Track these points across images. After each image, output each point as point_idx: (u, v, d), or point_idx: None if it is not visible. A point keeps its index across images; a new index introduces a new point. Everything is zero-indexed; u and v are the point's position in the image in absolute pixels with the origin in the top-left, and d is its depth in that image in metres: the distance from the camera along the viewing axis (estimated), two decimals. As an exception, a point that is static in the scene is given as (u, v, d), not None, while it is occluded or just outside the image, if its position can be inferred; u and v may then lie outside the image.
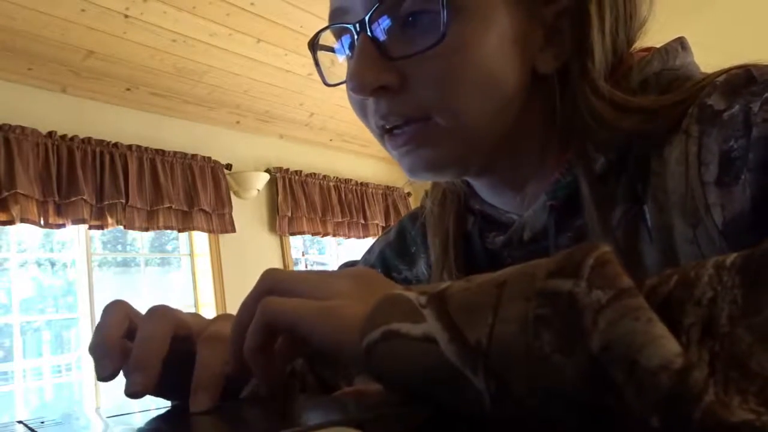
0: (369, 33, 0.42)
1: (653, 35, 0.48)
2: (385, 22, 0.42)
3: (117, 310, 0.43)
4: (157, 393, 0.45)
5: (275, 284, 0.36)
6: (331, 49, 0.50)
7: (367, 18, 0.42)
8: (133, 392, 0.38)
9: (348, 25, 0.44)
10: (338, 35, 0.48)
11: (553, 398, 0.20)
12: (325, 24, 0.49)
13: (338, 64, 0.50)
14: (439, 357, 0.23)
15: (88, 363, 2.98)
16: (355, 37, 0.43)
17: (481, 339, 0.22)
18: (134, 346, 0.40)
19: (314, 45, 0.49)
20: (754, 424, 0.17)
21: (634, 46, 0.47)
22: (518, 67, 0.44)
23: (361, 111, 0.47)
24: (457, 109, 0.43)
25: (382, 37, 0.43)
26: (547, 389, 0.20)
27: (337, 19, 0.46)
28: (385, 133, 0.46)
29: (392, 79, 0.42)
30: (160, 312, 0.42)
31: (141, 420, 0.41)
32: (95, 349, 0.41)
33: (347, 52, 0.47)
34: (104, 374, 0.39)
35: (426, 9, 0.41)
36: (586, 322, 0.19)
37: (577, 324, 0.19)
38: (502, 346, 0.21)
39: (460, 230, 0.54)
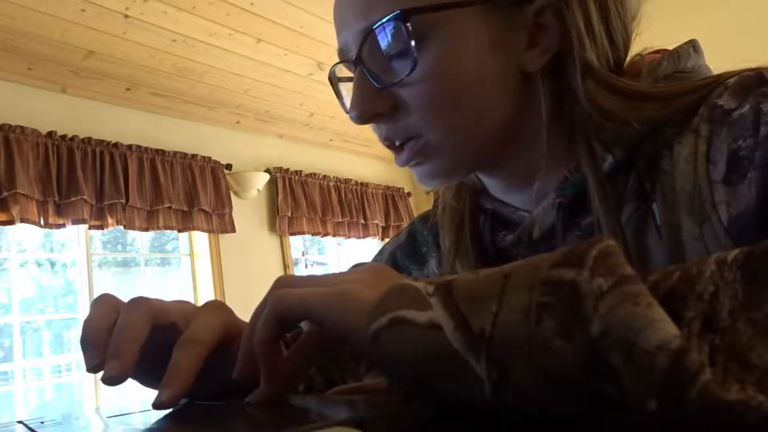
0: (362, 66, 0.46)
1: (658, 35, 0.48)
2: (371, 56, 0.46)
3: (104, 302, 0.44)
4: (142, 382, 0.45)
5: (286, 284, 0.37)
6: (348, 79, 0.53)
7: (356, 55, 0.46)
8: (107, 378, 0.39)
9: (346, 61, 0.49)
10: (347, 68, 0.52)
11: (553, 385, 0.21)
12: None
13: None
14: (443, 344, 0.24)
15: (88, 363, 2.98)
16: (354, 71, 0.47)
17: (485, 327, 0.22)
18: (113, 335, 0.41)
19: (332, 78, 0.54)
20: (749, 403, 0.17)
21: (645, 47, 0.48)
22: (501, 72, 0.45)
23: (374, 130, 0.51)
24: (443, 126, 0.46)
25: (372, 69, 0.46)
26: (546, 375, 0.21)
27: (341, 55, 0.50)
28: (393, 150, 0.49)
29: (385, 106, 0.47)
30: (139, 302, 0.43)
31: (141, 420, 0.41)
32: (82, 342, 0.41)
33: None
34: (90, 365, 0.40)
35: (399, 41, 0.44)
36: (587, 308, 0.19)
37: (578, 310, 0.20)
38: (505, 334, 0.22)
39: (474, 225, 0.56)
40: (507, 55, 0.45)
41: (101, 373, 0.40)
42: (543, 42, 0.45)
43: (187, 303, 0.48)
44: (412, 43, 0.43)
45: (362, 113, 0.47)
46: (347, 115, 0.50)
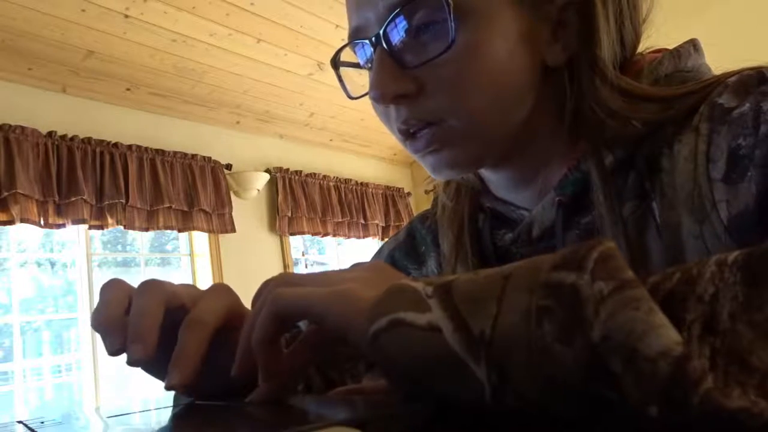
0: (385, 46, 0.45)
1: (658, 36, 0.48)
2: (399, 34, 0.45)
3: (115, 288, 0.44)
4: (151, 367, 0.45)
5: (285, 281, 0.36)
6: (352, 65, 0.52)
7: (381, 32, 0.44)
8: (134, 360, 0.40)
9: (366, 41, 0.47)
10: (358, 51, 0.50)
11: (553, 389, 0.21)
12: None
13: (360, 78, 0.53)
14: (443, 346, 0.24)
15: (88, 363, 2.98)
16: (373, 50, 0.46)
17: (484, 329, 0.22)
18: (130, 320, 0.41)
19: (336, 62, 0.52)
20: (751, 411, 0.17)
21: (646, 47, 0.48)
22: (527, 64, 0.45)
23: (385, 117, 0.49)
24: (470, 111, 0.45)
25: (397, 48, 0.45)
26: (546, 379, 0.20)
27: (355, 36, 0.48)
28: (407, 138, 0.48)
29: (410, 86, 0.45)
30: (151, 285, 0.43)
31: (141, 420, 0.41)
32: (100, 327, 0.42)
33: (368, 65, 0.50)
34: (113, 349, 0.41)
35: (435, 18, 0.43)
36: (588, 313, 0.19)
37: (578, 314, 0.19)
38: (505, 337, 0.22)
39: (473, 225, 0.55)
40: (532, 48, 0.45)
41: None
42: (563, 38, 0.46)
43: (194, 287, 0.48)
44: (452, 20, 0.42)
45: (385, 93, 0.45)
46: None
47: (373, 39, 0.45)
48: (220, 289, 0.46)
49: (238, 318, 0.44)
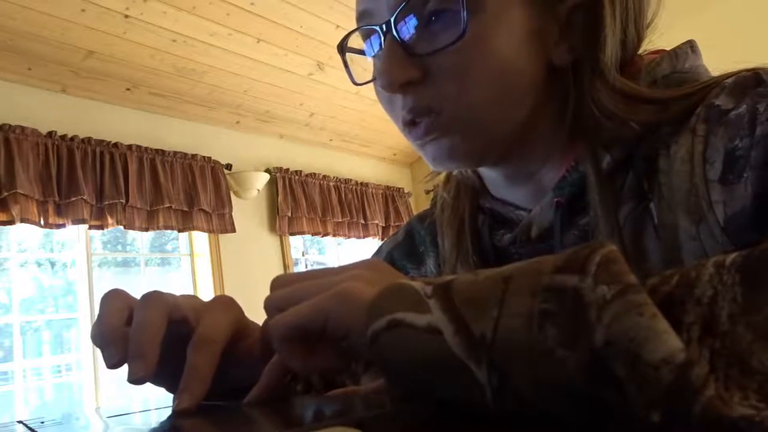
0: (394, 33, 0.45)
1: (658, 36, 0.48)
2: (408, 23, 0.45)
3: (116, 298, 0.43)
4: (154, 380, 0.45)
5: (280, 303, 0.37)
6: (358, 51, 0.52)
7: (392, 19, 0.45)
8: (135, 380, 0.39)
9: (375, 27, 0.47)
10: (364, 36, 0.50)
11: (555, 393, 0.20)
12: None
13: (365, 65, 0.53)
14: (443, 348, 0.24)
15: (88, 363, 2.98)
16: (382, 37, 0.46)
17: (485, 332, 0.22)
18: (131, 334, 0.40)
19: (343, 47, 0.52)
20: (753, 419, 0.17)
21: (644, 48, 0.48)
22: (533, 61, 0.45)
23: (389, 105, 0.49)
24: (472, 103, 0.45)
25: (406, 36, 0.45)
26: (548, 383, 0.20)
27: (363, 21, 0.48)
28: (409, 125, 0.48)
29: (417, 73, 0.45)
30: (154, 297, 0.43)
31: (141, 420, 0.41)
32: (99, 339, 0.41)
33: (374, 51, 0.50)
34: (111, 363, 0.40)
35: (447, 8, 0.43)
36: (591, 317, 0.19)
37: (581, 319, 0.19)
38: (506, 340, 0.22)
39: (473, 224, 0.55)
40: (539, 47, 0.45)
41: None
42: (570, 39, 0.46)
43: (196, 298, 0.48)
44: (465, 10, 0.42)
45: (393, 80, 0.45)
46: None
47: (384, 26, 0.45)
48: (223, 303, 0.46)
49: (242, 332, 0.45)
